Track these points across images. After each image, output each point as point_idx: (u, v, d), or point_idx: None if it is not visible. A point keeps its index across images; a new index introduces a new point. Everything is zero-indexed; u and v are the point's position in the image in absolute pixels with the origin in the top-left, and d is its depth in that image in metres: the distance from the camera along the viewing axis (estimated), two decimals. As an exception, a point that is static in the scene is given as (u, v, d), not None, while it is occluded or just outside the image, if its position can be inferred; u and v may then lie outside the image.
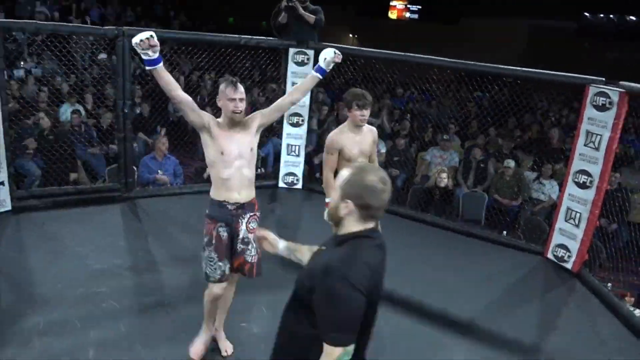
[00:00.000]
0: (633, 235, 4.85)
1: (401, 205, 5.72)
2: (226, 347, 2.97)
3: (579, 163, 4.17)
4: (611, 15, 17.44)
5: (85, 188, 5.01)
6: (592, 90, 4.06)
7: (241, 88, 2.69)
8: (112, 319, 3.15)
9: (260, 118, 2.83)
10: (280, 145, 5.63)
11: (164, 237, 4.27)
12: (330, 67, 3.07)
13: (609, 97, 3.93)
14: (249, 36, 5.09)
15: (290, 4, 5.16)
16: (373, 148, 3.47)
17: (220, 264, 2.73)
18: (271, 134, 6.54)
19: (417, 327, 3.40)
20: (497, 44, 15.97)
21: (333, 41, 6.05)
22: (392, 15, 21.75)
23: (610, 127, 3.93)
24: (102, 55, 7.47)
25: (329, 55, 2.99)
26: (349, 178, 1.66)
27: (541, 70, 4.56)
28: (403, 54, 5.11)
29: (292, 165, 5.59)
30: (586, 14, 17.74)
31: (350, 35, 21.33)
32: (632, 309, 3.87)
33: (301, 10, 5.19)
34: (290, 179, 5.61)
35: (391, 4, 21.66)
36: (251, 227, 2.78)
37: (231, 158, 2.69)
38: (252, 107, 6.48)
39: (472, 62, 4.79)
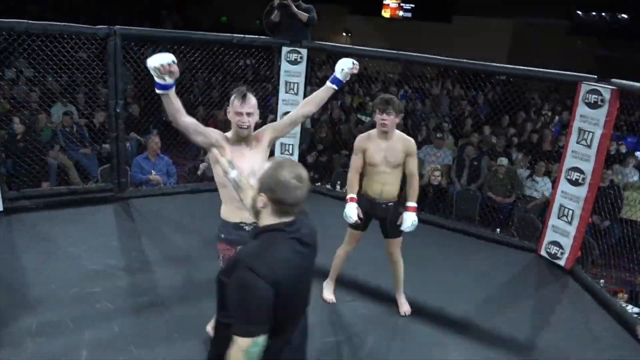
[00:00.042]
0: (625, 232, 4.89)
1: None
2: None
3: (571, 160, 4.19)
4: (603, 14, 17.58)
5: (78, 188, 4.97)
6: (584, 87, 4.08)
7: (252, 101, 2.48)
8: (105, 319, 3.14)
9: (271, 132, 2.66)
10: (274, 144, 5.61)
11: (157, 237, 4.26)
12: (347, 79, 2.89)
13: (601, 95, 3.94)
14: (242, 35, 5.08)
15: (283, 1, 5.14)
16: (406, 160, 3.26)
17: None
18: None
19: (411, 325, 3.40)
20: (489, 41, 16.05)
21: (326, 40, 6.03)
22: (386, 13, 21.82)
23: (602, 125, 3.95)
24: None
25: (346, 66, 2.80)
26: (266, 172, 1.68)
27: (533, 68, 4.58)
28: (396, 52, 5.10)
29: (285, 164, 5.56)
30: (578, 12, 17.88)
31: (344, 34, 21.36)
32: (624, 305, 3.90)
33: (294, 8, 5.15)
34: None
35: (384, 2, 21.72)
36: None
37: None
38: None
39: (465, 60, 4.80)
